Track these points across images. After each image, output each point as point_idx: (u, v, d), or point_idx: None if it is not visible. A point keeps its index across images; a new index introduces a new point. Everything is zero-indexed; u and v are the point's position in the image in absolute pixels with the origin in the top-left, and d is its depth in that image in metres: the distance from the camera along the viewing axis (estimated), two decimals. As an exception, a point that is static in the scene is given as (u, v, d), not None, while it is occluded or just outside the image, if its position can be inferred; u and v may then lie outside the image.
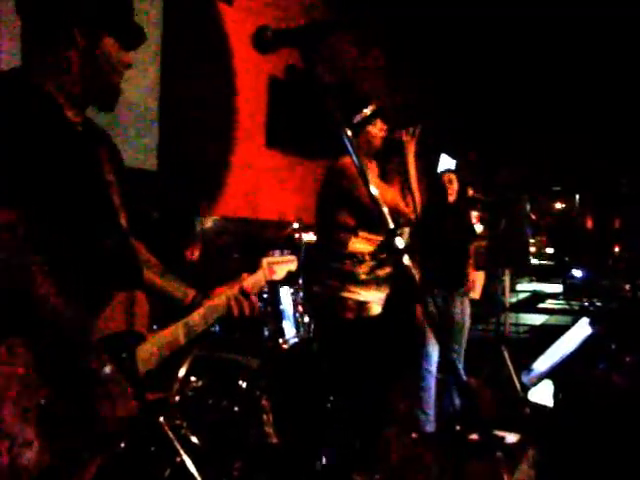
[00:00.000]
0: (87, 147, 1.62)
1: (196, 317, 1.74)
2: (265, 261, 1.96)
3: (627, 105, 10.83)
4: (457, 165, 8.87)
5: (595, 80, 10.08)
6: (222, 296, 1.83)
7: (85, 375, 1.37)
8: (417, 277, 1.09)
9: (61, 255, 1.43)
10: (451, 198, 4.56)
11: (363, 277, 3.08)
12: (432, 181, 4.91)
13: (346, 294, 3.08)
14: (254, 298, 1.86)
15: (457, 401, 4.40)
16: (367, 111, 3.12)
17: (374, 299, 3.16)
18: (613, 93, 10.45)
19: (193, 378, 3.06)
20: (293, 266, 2.06)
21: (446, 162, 8.48)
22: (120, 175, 1.72)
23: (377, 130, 3.17)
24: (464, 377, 1.10)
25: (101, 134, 1.75)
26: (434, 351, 4.25)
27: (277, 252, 2.07)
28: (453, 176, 4.64)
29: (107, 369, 1.40)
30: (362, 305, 3.11)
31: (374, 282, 3.11)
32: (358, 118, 3.11)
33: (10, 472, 1.21)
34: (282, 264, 2.03)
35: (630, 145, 12.53)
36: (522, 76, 9.86)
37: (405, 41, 8.42)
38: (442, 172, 4.74)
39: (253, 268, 2.00)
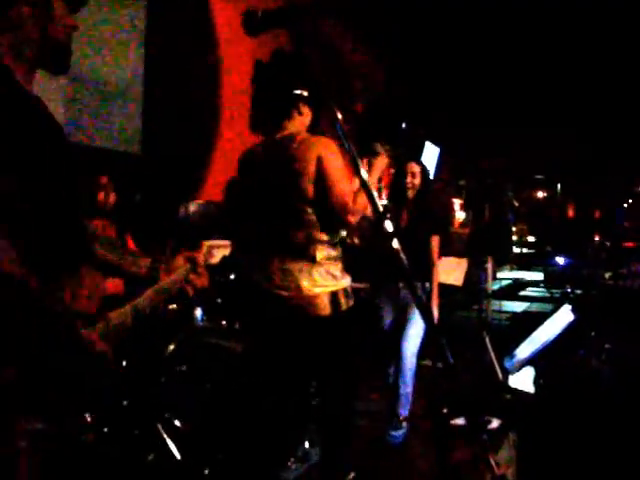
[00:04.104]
0: (41, 114, 1.61)
1: (145, 299, 1.76)
2: (206, 244, 1.98)
3: (610, 96, 10.91)
4: (440, 151, 8.90)
5: (579, 72, 10.13)
6: (168, 279, 1.85)
7: (65, 332, 1.38)
8: (405, 261, 1.09)
9: (17, 230, 1.40)
10: (410, 193, 4.19)
11: None
12: (398, 168, 4.50)
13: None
14: (204, 272, 1.92)
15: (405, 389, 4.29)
16: (300, 91, 2.80)
17: None
18: (597, 85, 10.51)
19: (177, 363, 3.06)
20: (227, 251, 2.09)
21: (430, 149, 8.51)
22: (66, 149, 1.68)
23: (305, 116, 2.81)
24: (451, 360, 1.09)
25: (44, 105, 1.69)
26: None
27: (215, 236, 2.09)
28: (417, 169, 4.23)
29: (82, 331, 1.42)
30: None
31: None
32: (296, 93, 2.81)
33: None
34: (219, 248, 2.05)
35: (614, 135, 12.65)
36: (510, 65, 9.89)
37: (393, 35, 8.41)
38: (406, 161, 4.26)
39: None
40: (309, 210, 2.65)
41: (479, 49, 9.22)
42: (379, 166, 2.90)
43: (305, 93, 2.75)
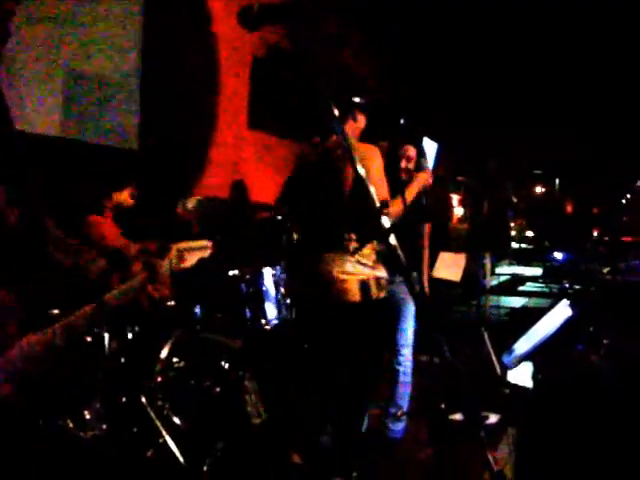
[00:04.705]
0: None
1: (79, 317, 1.53)
2: (175, 248, 1.82)
3: (610, 96, 10.91)
4: (439, 148, 8.89)
5: (579, 72, 10.14)
6: (115, 291, 1.63)
7: None
8: (403, 256, 1.09)
9: None
10: (404, 177, 3.79)
11: None
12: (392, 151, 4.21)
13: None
14: (165, 281, 1.72)
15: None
16: (360, 100, 3.06)
17: None
18: (596, 84, 10.52)
19: (175, 359, 3.05)
20: (207, 252, 1.96)
21: (428, 146, 8.49)
22: (3, 139, 1.50)
23: (359, 122, 3.08)
24: (449, 355, 1.10)
25: None
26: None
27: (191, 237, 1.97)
28: (413, 152, 3.91)
29: None
30: None
31: None
32: (354, 101, 3.04)
33: None
34: (195, 251, 1.91)
35: (612, 133, 12.65)
36: (510, 65, 9.89)
37: (393, 33, 8.40)
38: (403, 143, 3.91)
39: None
40: (347, 210, 2.78)
41: (479, 49, 9.23)
42: (421, 182, 3.08)
43: (362, 101, 2.96)
